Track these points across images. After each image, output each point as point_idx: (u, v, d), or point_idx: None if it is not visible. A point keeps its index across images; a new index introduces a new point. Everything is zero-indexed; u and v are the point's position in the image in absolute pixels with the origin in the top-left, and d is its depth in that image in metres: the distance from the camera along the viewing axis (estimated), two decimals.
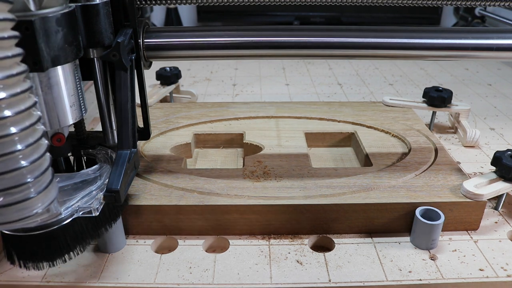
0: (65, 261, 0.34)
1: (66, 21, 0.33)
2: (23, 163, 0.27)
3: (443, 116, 0.68)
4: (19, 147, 0.26)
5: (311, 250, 0.39)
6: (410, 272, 0.37)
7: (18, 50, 0.26)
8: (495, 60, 0.99)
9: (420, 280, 0.36)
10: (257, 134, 0.54)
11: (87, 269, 0.37)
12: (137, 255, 0.39)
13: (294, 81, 0.87)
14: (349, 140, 0.56)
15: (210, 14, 1.46)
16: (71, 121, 0.36)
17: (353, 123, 0.57)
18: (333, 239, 0.40)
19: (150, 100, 0.63)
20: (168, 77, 0.69)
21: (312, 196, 0.41)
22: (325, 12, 1.42)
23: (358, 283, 0.35)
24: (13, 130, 0.26)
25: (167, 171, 0.45)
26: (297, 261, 0.38)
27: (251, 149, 0.52)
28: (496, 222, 0.43)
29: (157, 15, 1.44)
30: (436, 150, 0.50)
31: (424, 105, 0.61)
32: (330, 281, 0.36)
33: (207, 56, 0.43)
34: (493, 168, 0.43)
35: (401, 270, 0.37)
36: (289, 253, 0.39)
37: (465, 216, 0.41)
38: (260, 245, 0.40)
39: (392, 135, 0.54)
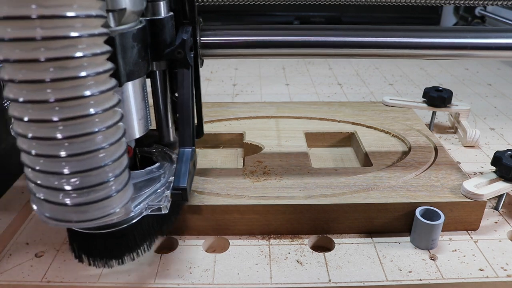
0: (133, 259, 0.35)
1: (140, 36, 0.33)
2: (107, 161, 0.27)
3: (443, 116, 0.68)
4: (104, 145, 0.27)
5: (311, 250, 0.39)
6: (410, 272, 0.37)
7: (110, 65, 0.27)
8: (494, 60, 1.00)
9: (420, 280, 0.36)
10: (257, 134, 0.54)
11: (87, 269, 0.37)
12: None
13: (294, 81, 0.87)
14: (349, 140, 0.56)
15: (210, 14, 1.46)
16: (138, 134, 0.36)
17: (353, 123, 0.57)
18: (333, 239, 0.40)
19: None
20: None
21: (312, 196, 0.41)
22: (325, 12, 1.42)
23: (358, 283, 0.35)
24: (97, 128, 0.27)
25: None
26: (297, 261, 0.38)
27: (251, 149, 0.52)
28: (496, 222, 0.43)
29: None
30: (436, 150, 0.50)
31: (424, 105, 0.61)
32: (330, 281, 0.36)
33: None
34: (493, 168, 0.43)
35: (401, 270, 0.37)
36: (289, 253, 0.39)
37: (465, 216, 0.41)
38: (260, 245, 0.40)
39: (392, 135, 0.54)
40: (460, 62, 1.00)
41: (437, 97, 0.59)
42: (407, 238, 0.40)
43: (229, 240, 0.40)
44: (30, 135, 0.26)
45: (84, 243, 0.34)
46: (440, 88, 0.61)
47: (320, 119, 0.58)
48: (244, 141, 0.53)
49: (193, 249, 0.39)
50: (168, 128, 0.41)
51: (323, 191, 0.41)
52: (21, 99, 0.25)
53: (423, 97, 0.62)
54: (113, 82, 0.28)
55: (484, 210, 0.41)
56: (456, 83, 0.86)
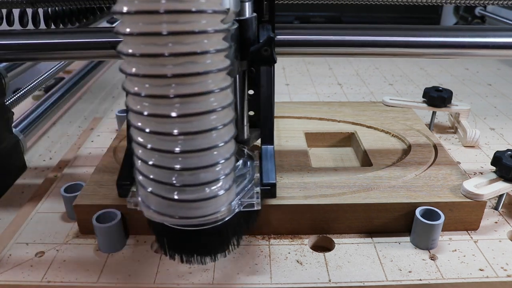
0: (225, 255, 0.35)
1: (235, 37, 0.34)
2: (219, 159, 0.28)
3: (443, 116, 0.68)
4: (218, 143, 0.28)
5: (311, 250, 0.39)
6: (410, 272, 0.37)
7: (229, 61, 0.27)
8: (492, 59, 1.00)
9: (420, 280, 0.36)
10: None
11: (87, 269, 0.37)
12: (137, 255, 0.39)
13: (294, 81, 0.87)
14: (349, 140, 0.56)
15: None
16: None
17: (353, 123, 0.57)
18: (333, 239, 0.40)
19: None
20: None
21: (312, 196, 0.41)
22: (325, 12, 1.42)
23: (358, 283, 0.35)
24: (213, 126, 0.27)
25: None
26: (297, 261, 0.38)
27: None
28: (496, 222, 0.43)
29: None
30: (436, 150, 0.50)
31: (424, 105, 0.61)
32: (330, 281, 0.36)
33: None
34: (493, 168, 0.43)
35: (401, 270, 0.37)
36: (289, 253, 0.39)
37: (465, 216, 0.41)
38: (260, 245, 0.40)
39: (392, 135, 0.54)
40: (460, 62, 1.00)
41: (437, 97, 0.59)
42: (407, 238, 0.40)
43: None
44: (147, 129, 0.27)
45: (177, 240, 0.33)
46: (440, 88, 0.61)
47: (320, 119, 0.58)
48: None
49: None
50: (243, 126, 0.42)
51: (323, 191, 0.41)
52: (143, 94, 0.26)
53: (423, 97, 0.62)
54: (230, 79, 0.28)
55: (484, 210, 0.41)
56: (456, 83, 0.86)
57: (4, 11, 0.52)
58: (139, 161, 0.29)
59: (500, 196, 0.44)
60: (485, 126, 0.66)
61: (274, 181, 0.34)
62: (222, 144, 0.28)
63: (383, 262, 0.38)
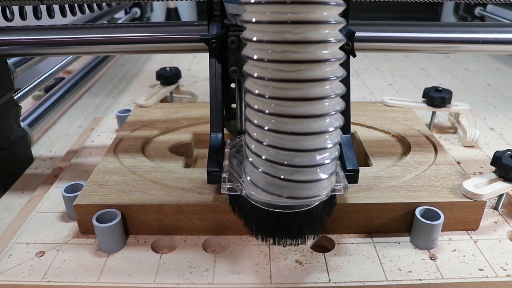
0: (314, 237, 0.38)
1: None
2: (331, 143, 0.30)
3: (443, 116, 0.68)
4: (329, 129, 0.29)
5: (311, 250, 0.39)
6: (410, 272, 0.37)
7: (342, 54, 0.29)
8: (484, 54, 1.00)
9: (420, 280, 0.36)
10: None
11: (87, 269, 0.37)
12: (137, 255, 0.39)
13: None
14: None
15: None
16: None
17: (353, 123, 0.57)
18: (333, 239, 0.40)
19: (150, 100, 0.63)
20: (168, 77, 0.69)
21: None
22: None
23: (358, 283, 0.35)
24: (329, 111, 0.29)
25: (167, 171, 0.45)
26: (297, 261, 0.38)
27: None
28: (495, 222, 0.43)
29: (157, 14, 1.44)
30: (436, 150, 0.50)
31: (424, 105, 0.61)
32: (330, 281, 0.36)
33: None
34: (493, 168, 0.43)
35: (401, 270, 0.37)
36: (289, 253, 0.39)
37: (464, 216, 0.41)
38: (260, 245, 0.40)
39: (392, 135, 0.54)
40: (460, 62, 1.00)
41: (437, 97, 0.60)
42: (407, 238, 0.41)
43: (229, 240, 0.40)
44: (267, 111, 0.29)
45: (270, 222, 0.34)
46: (440, 88, 0.61)
47: None
48: None
49: (193, 249, 0.39)
50: None
51: None
52: (266, 77, 0.28)
53: (423, 97, 0.62)
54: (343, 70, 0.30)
55: (483, 210, 0.41)
56: (456, 83, 0.86)
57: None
58: (253, 144, 0.31)
59: (500, 196, 0.44)
60: (485, 126, 0.66)
61: (357, 167, 0.36)
62: (333, 129, 0.30)
63: (383, 262, 0.38)
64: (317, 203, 0.33)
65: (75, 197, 0.41)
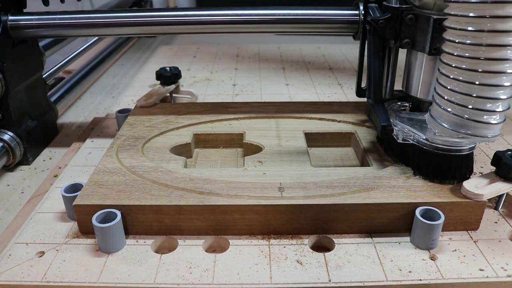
0: (467, 178, 0.42)
1: None
2: (505, 96, 0.38)
3: None
4: (506, 83, 0.37)
5: (311, 250, 0.39)
6: (410, 272, 0.37)
7: None
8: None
9: (420, 280, 0.36)
10: (257, 134, 0.54)
11: (87, 269, 0.37)
12: (137, 255, 0.39)
13: (294, 81, 0.87)
14: (349, 140, 0.56)
15: (209, 5, 1.46)
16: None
17: (353, 123, 0.57)
18: (333, 239, 0.40)
19: (149, 100, 0.63)
20: (168, 77, 0.69)
21: (312, 196, 0.41)
22: None
23: (358, 283, 0.35)
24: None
25: (167, 171, 0.45)
26: (297, 261, 0.38)
27: (251, 149, 0.52)
28: (496, 222, 0.43)
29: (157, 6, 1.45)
30: None
31: None
32: (330, 281, 0.36)
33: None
34: (493, 168, 0.43)
35: (401, 270, 0.37)
36: (289, 253, 0.39)
37: (465, 216, 0.41)
38: (260, 245, 0.40)
39: None
40: None
41: None
42: (407, 238, 0.41)
43: (229, 240, 0.40)
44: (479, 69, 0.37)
45: (439, 165, 0.42)
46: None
47: (320, 119, 0.58)
48: (244, 141, 0.53)
49: (193, 249, 0.39)
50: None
51: (323, 191, 0.41)
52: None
53: None
54: None
55: (484, 210, 0.41)
56: None
57: None
58: (455, 96, 0.39)
59: (500, 196, 0.44)
60: None
61: None
62: (509, 84, 0.37)
63: (383, 262, 0.38)
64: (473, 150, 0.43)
65: (75, 197, 0.41)
